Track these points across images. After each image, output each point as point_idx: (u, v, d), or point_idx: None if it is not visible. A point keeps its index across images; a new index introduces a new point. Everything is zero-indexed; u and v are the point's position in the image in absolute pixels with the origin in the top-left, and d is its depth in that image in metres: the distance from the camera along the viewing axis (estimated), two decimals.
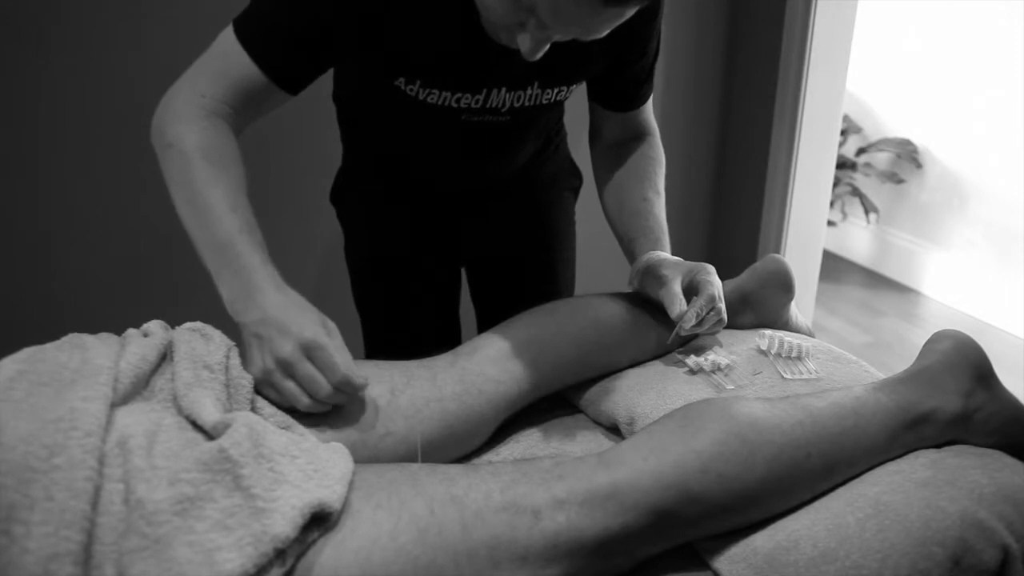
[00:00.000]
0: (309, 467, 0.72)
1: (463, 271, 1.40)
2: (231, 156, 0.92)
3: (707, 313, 1.02)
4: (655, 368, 1.06)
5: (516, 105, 1.06)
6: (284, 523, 0.66)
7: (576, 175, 1.39)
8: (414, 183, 1.23)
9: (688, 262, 1.08)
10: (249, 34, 0.94)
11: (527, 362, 0.98)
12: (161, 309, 1.07)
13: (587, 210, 1.45)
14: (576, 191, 1.40)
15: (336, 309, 1.07)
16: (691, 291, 1.05)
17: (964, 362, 0.93)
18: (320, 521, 0.69)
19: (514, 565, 0.72)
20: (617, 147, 1.22)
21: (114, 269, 1.76)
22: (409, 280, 1.29)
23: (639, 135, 1.22)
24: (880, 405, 0.88)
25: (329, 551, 0.68)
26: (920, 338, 1.00)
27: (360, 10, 0.91)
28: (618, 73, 1.11)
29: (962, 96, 2.74)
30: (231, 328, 0.87)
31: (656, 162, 1.21)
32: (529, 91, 1.05)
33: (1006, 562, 0.79)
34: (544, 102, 1.08)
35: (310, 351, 0.80)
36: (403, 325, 1.32)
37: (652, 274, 1.07)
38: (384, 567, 0.68)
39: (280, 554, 0.66)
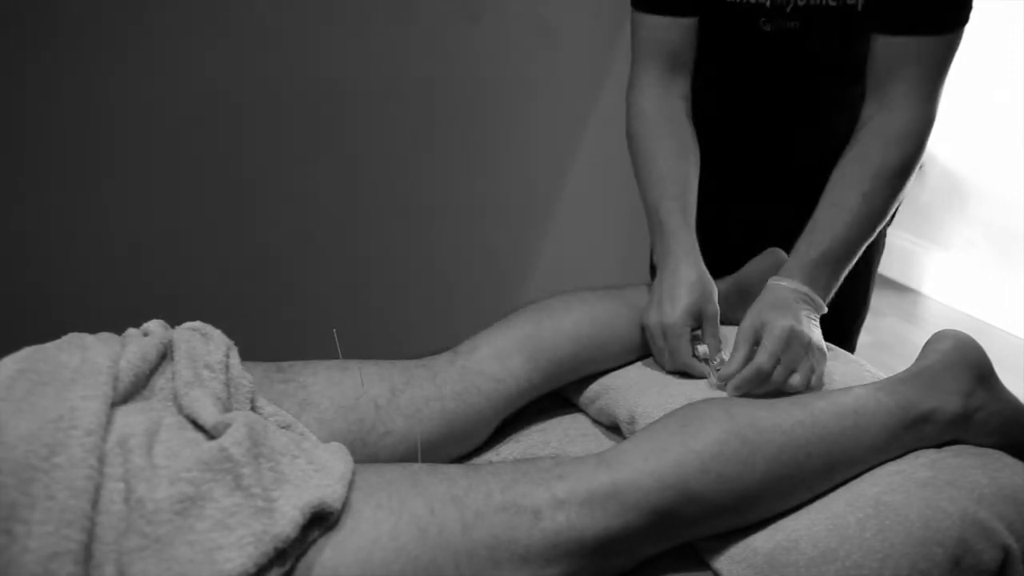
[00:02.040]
0: (310, 467, 0.72)
1: None
2: (668, 125, 1.14)
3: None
4: (656, 367, 1.06)
5: (800, 4, 1.05)
6: (285, 523, 0.66)
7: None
8: (723, 154, 1.21)
9: (771, 315, 0.95)
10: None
11: (526, 360, 0.98)
12: (161, 309, 1.07)
13: (584, 204, 1.45)
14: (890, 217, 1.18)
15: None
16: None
17: (964, 362, 0.93)
18: (320, 521, 0.69)
19: (514, 565, 0.72)
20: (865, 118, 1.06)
21: (114, 269, 1.76)
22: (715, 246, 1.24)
23: (888, 93, 1.03)
24: (880, 405, 0.88)
25: (329, 551, 0.68)
26: (920, 338, 0.99)
27: None
28: None
29: (962, 96, 2.74)
30: (231, 328, 0.87)
31: (868, 158, 1.02)
32: None
33: (1006, 562, 0.79)
34: (828, 2, 1.03)
35: (666, 332, 1.00)
36: None
37: (739, 299, 1.08)
38: (384, 567, 0.68)
39: (281, 554, 0.66)
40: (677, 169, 1.11)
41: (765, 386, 0.92)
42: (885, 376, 0.97)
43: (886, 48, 1.02)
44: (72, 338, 0.80)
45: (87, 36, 1.59)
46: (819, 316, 1.00)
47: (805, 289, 0.99)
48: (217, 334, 0.86)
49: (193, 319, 0.88)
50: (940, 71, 1.04)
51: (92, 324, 0.93)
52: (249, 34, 1.63)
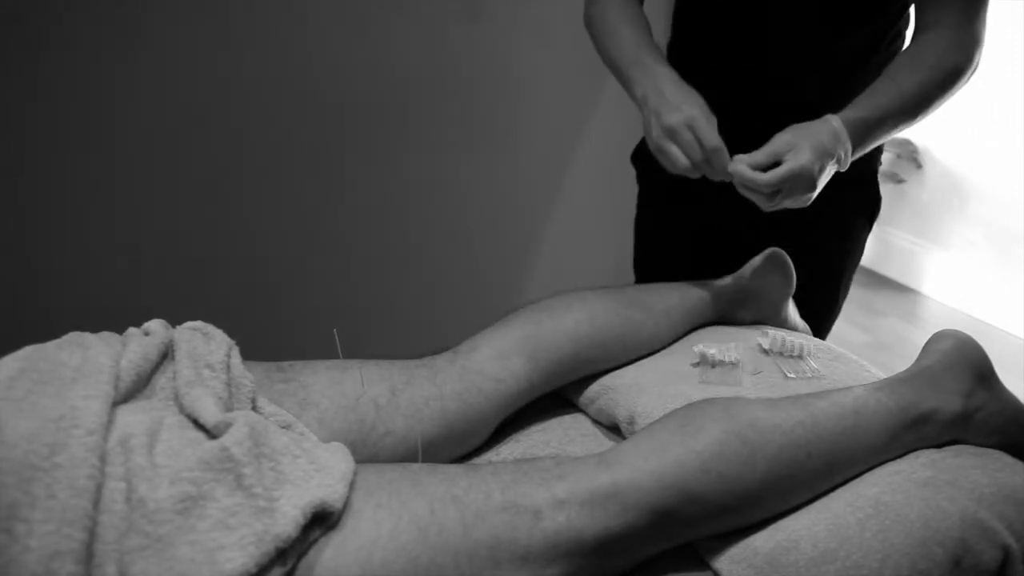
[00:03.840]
0: (310, 466, 0.72)
1: None
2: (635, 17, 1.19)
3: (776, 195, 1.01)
4: (656, 367, 1.06)
5: None
6: (286, 522, 0.66)
7: (874, 198, 1.31)
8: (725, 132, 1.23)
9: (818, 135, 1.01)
10: None
11: (526, 359, 0.98)
12: (161, 309, 1.07)
13: (584, 203, 1.45)
14: (870, 219, 1.32)
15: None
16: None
17: (964, 362, 0.93)
18: (321, 520, 0.69)
19: (514, 565, 0.72)
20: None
21: (115, 268, 1.76)
22: (688, 250, 1.34)
23: (931, 20, 1.10)
24: (881, 405, 0.88)
25: (330, 551, 0.68)
26: (920, 338, 1.00)
27: None
28: None
29: (962, 96, 2.74)
30: (231, 328, 0.87)
31: (930, 56, 1.08)
32: None
33: (1006, 562, 0.79)
34: None
35: (691, 123, 1.01)
36: None
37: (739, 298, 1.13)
38: (385, 567, 0.68)
39: (282, 553, 0.66)
40: (646, 37, 1.15)
41: (754, 196, 1.01)
42: (885, 376, 0.97)
43: None
44: (73, 337, 0.80)
45: (88, 37, 1.59)
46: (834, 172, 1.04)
47: (847, 142, 1.03)
48: (218, 334, 0.85)
49: (194, 319, 0.88)
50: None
51: (92, 324, 0.93)
52: (248, 34, 1.63)
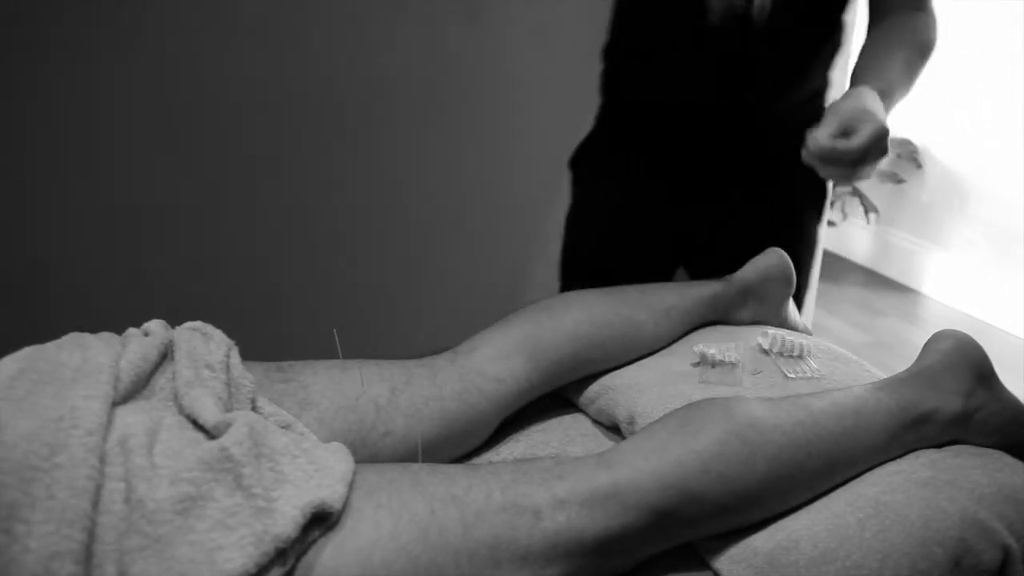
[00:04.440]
0: (310, 467, 0.72)
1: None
2: None
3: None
4: (656, 367, 1.06)
5: None
6: (285, 523, 0.66)
7: (823, 193, 1.34)
8: (666, 141, 1.22)
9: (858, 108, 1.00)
10: None
11: (526, 359, 0.98)
12: (161, 309, 1.07)
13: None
14: (820, 212, 1.35)
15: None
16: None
17: (965, 362, 0.93)
18: (321, 521, 0.69)
19: (515, 565, 0.72)
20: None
21: (114, 268, 1.76)
22: (625, 259, 1.31)
23: (889, 7, 1.17)
24: (881, 405, 0.88)
25: (330, 551, 0.68)
26: (920, 338, 1.00)
27: None
28: None
29: (962, 96, 2.74)
30: (231, 328, 0.87)
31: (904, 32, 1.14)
32: None
33: (1006, 562, 0.79)
34: None
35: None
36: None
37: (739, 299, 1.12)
38: (385, 567, 0.68)
39: (281, 554, 0.66)
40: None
41: (835, 170, 0.99)
42: (885, 376, 0.97)
43: None
44: (73, 337, 0.80)
45: (88, 37, 1.59)
46: None
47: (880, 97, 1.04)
48: (218, 334, 0.85)
49: (193, 319, 0.88)
50: None
51: (92, 324, 0.93)
52: (247, 34, 1.63)
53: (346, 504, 0.71)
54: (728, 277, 1.18)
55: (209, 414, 0.73)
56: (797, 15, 1.12)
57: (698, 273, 1.34)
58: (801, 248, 1.31)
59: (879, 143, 0.98)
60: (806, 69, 1.20)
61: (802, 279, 1.32)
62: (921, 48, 1.13)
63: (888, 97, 1.06)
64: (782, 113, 1.21)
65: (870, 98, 1.02)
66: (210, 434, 0.72)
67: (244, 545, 0.64)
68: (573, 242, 1.39)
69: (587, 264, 1.37)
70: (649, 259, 1.30)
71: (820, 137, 0.98)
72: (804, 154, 0.99)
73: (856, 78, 1.09)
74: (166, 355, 0.82)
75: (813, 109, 1.22)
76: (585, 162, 1.36)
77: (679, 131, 1.22)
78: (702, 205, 1.27)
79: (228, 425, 0.71)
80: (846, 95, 1.03)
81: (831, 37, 1.22)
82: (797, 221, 1.31)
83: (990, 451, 0.89)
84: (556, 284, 1.42)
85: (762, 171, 1.25)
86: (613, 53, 1.28)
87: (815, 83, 1.25)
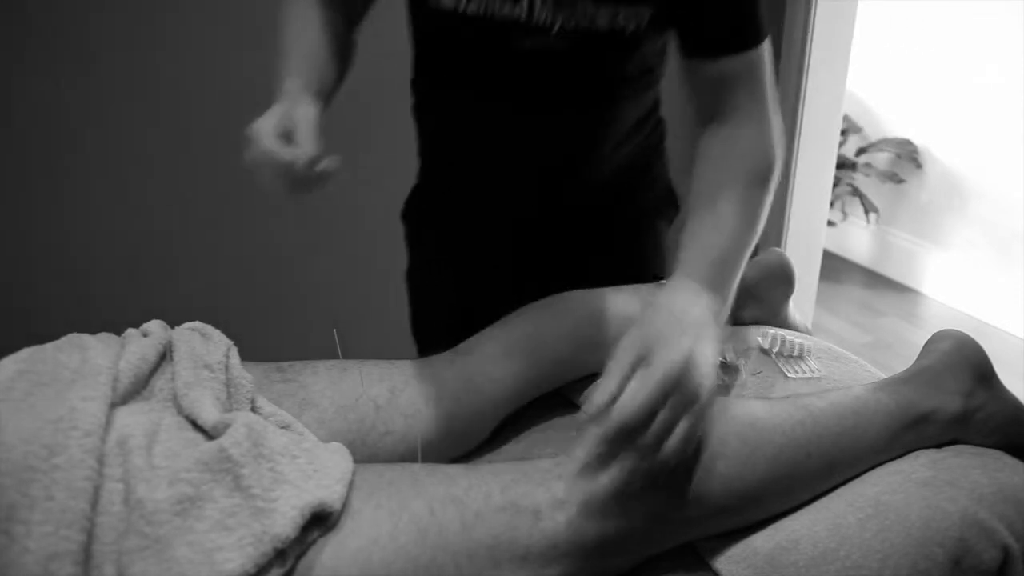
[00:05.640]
0: (309, 467, 0.72)
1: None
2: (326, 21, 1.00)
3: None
4: None
5: (568, 26, 0.91)
6: (284, 523, 0.66)
7: (673, 203, 1.21)
8: (489, 196, 1.12)
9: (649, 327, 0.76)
10: None
11: (526, 359, 0.98)
12: (160, 309, 1.07)
13: None
14: (670, 220, 1.21)
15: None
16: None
17: (964, 362, 0.93)
18: (320, 521, 0.69)
19: (514, 565, 0.72)
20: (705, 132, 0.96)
21: (114, 269, 1.76)
22: (474, 309, 1.09)
23: (722, 111, 0.93)
24: (881, 405, 0.88)
25: (329, 551, 0.68)
26: (920, 338, 0.99)
27: None
28: None
29: (962, 96, 2.74)
30: (231, 328, 0.87)
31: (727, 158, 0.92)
32: (582, 8, 0.89)
33: (1006, 562, 0.79)
34: (600, 26, 0.91)
35: (251, 136, 0.81)
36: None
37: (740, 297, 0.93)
38: (384, 567, 0.68)
39: (280, 554, 0.66)
40: (320, 52, 0.99)
41: (638, 440, 0.71)
42: (885, 376, 0.97)
43: (704, 71, 0.93)
44: (72, 339, 0.80)
45: (88, 36, 1.59)
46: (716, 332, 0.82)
47: (708, 296, 0.82)
48: (217, 334, 0.85)
49: (193, 319, 0.88)
50: (764, 83, 0.93)
51: (92, 324, 0.93)
52: (247, 34, 1.63)
53: (345, 504, 0.71)
54: None
55: (208, 415, 0.73)
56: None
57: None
58: (650, 249, 1.21)
59: (687, 380, 0.72)
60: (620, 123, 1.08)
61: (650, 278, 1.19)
62: (761, 180, 0.91)
63: (720, 283, 0.85)
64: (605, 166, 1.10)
65: (684, 301, 0.80)
66: (209, 435, 0.72)
67: (243, 545, 0.64)
68: (419, 305, 1.26)
69: (442, 328, 1.15)
70: (508, 305, 1.06)
71: (593, 404, 0.71)
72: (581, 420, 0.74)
73: (680, 257, 0.87)
74: (165, 356, 0.82)
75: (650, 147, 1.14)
76: (421, 215, 1.23)
77: (496, 196, 1.12)
78: (542, 251, 1.16)
79: (227, 425, 0.71)
80: (656, 300, 0.82)
81: (647, 84, 1.08)
82: (643, 229, 1.20)
83: (990, 451, 0.89)
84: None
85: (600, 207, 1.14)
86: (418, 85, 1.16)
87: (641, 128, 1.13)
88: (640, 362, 0.72)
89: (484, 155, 1.10)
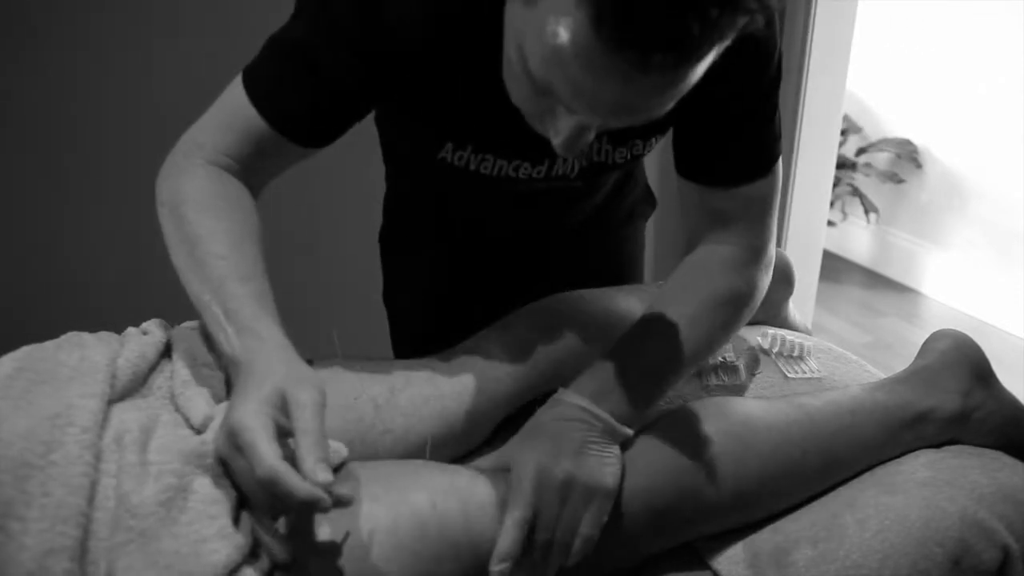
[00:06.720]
0: None
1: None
2: (231, 202, 0.83)
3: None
4: None
5: (586, 164, 0.90)
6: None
7: (651, 202, 1.21)
8: (466, 231, 1.12)
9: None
10: (255, 85, 0.85)
11: (526, 359, 0.98)
12: (160, 309, 1.07)
13: None
14: (647, 217, 1.22)
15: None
16: None
17: (963, 361, 0.93)
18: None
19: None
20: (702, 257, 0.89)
21: (114, 269, 1.76)
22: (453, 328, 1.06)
23: (720, 227, 0.87)
24: (878, 404, 0.88)
25: (326, 543, 0.68)
26: (920, 338, 0.99)
27: (387, 64, 0.78)
28: (708, 121, 0.82)
29: (962, 96, 2.74)
30: None
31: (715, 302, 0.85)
32: (597, 147, 0.87)
33: (1006, 562, 0.79)
34: (618, 160, 0.90)
35: (234, 438, 0.63)
36: None
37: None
38: (385, 562, 0.68)
39: None
40: (242, 248, 0.85)
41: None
42: (884, 376, 0.97)
43: (711, 198, 0.87)
44: (71, 337, 0.80)
45: (89, 36, 1.59)
46: (618, 443, 0.77)
47: (589, 405, 0.77)
48: None
49: (193, 319, 0.88)
50: (769, 206, 0.87)
51: (92, 324, 0.93)
52: (247, 33, 1.63)
53: (343, 498, 0.71)
54: None
55: (198, 411, 0.73)
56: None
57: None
58: (637, 255, 1.22)
59: (573, 499, 0.72)
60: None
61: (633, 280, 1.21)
62: (720, 301, 0.85)
63: (628, 383, 0.79)
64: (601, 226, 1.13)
65: (567, 416, 0.77)
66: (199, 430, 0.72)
67: (227, 535, 0.64)
68: (398, 322, 1.27)
69: (421, 344, 1.08)
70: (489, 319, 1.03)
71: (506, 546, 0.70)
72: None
73: (601, 359, 0.83)
74: (165, 354, 0.82)
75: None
76: (396, 237, 1.24)
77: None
78: (524, 260, 1.16)
79: (212, 419, 0.71)
80: (536, 418, 0.79)
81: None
82: (626, 234, 1.21)
83: (989, 451, 0.89)
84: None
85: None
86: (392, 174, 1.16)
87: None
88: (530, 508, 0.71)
89: (465, 218, 1.11)
